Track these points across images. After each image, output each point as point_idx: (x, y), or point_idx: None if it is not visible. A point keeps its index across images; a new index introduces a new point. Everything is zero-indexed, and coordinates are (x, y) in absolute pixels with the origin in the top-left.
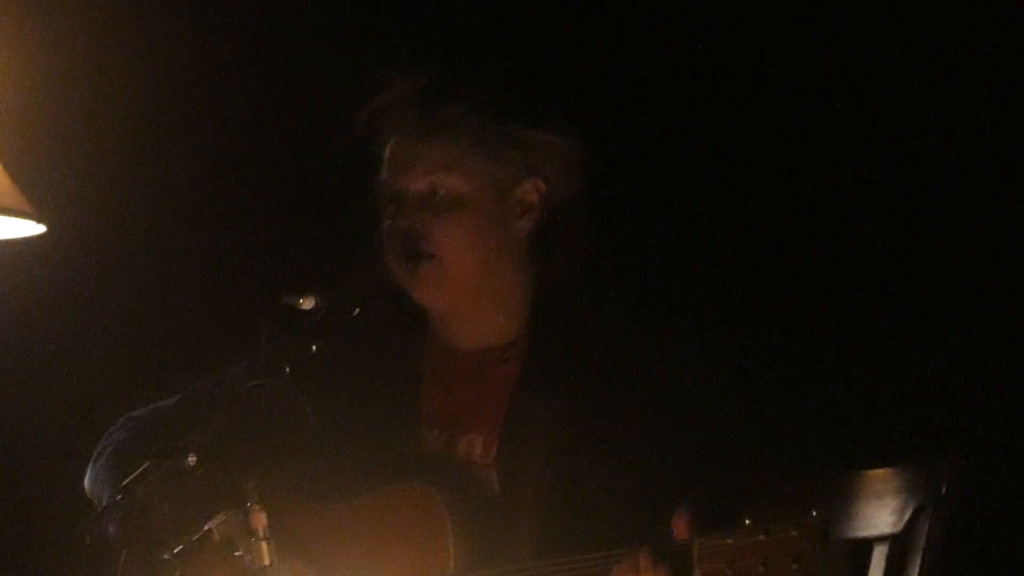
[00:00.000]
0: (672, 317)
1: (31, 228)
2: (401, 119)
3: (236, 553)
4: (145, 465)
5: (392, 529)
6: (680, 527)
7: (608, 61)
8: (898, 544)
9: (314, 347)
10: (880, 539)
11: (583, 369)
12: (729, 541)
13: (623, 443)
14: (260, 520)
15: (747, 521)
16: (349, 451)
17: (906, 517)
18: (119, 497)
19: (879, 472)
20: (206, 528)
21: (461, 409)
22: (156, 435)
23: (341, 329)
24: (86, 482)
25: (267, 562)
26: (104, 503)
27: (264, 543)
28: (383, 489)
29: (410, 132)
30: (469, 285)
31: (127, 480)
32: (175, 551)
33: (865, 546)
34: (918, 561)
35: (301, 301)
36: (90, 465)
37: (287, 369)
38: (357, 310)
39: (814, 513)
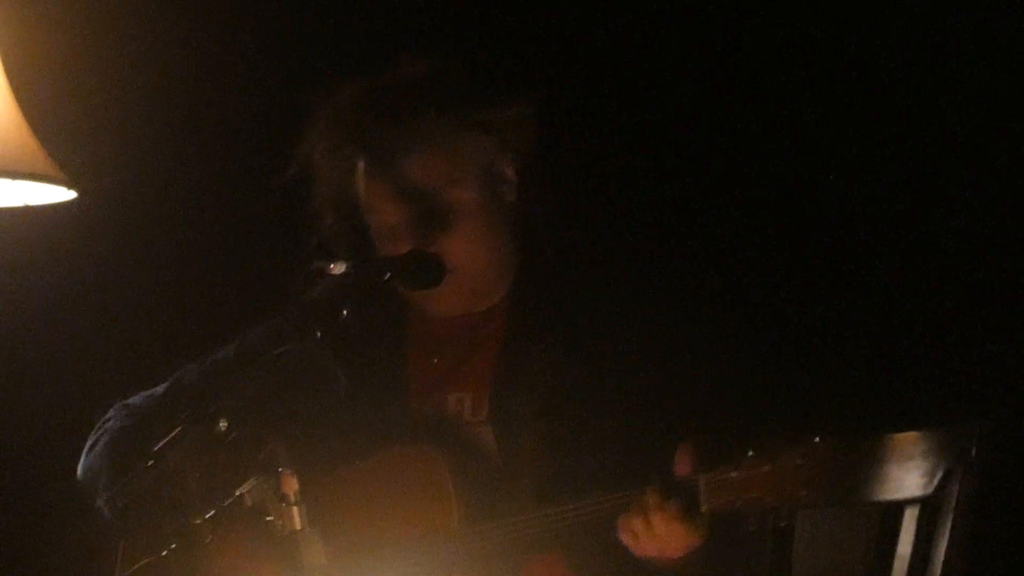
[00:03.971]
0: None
1: (62, 194)
2: (366, 140)
3: (267, 518)
4: (176, 431)
5: (394, 490)
6: (683, 463)
7: (552, 21)
8: (929, 507)
9: (345, 311)
10: (911, 502)
11: (568, 320)
12: (735, 474)
13: (615, 388)
14: (291, 485)
15: (750, 452)
16: (346, 420)
17: (936, 480)
18: (150, 463)
19: (909, 435)
20: (237, 494)
21: (447, 370)
22: (151, 420)
23: (372, 294)
24: (79, 471)
25: (298, 527)
26: (102, 490)
27: (295, 508)
28: (383, 453)
29: (385, 156)
30: (481, 278)
31: (159, 446)
32: (206, 517)
33: (896, 509)
34: (949, 524)
35: (332, 266)
36: (83, 454)
37: (318, 334)
38: (388, 275)
39: (817, 440)
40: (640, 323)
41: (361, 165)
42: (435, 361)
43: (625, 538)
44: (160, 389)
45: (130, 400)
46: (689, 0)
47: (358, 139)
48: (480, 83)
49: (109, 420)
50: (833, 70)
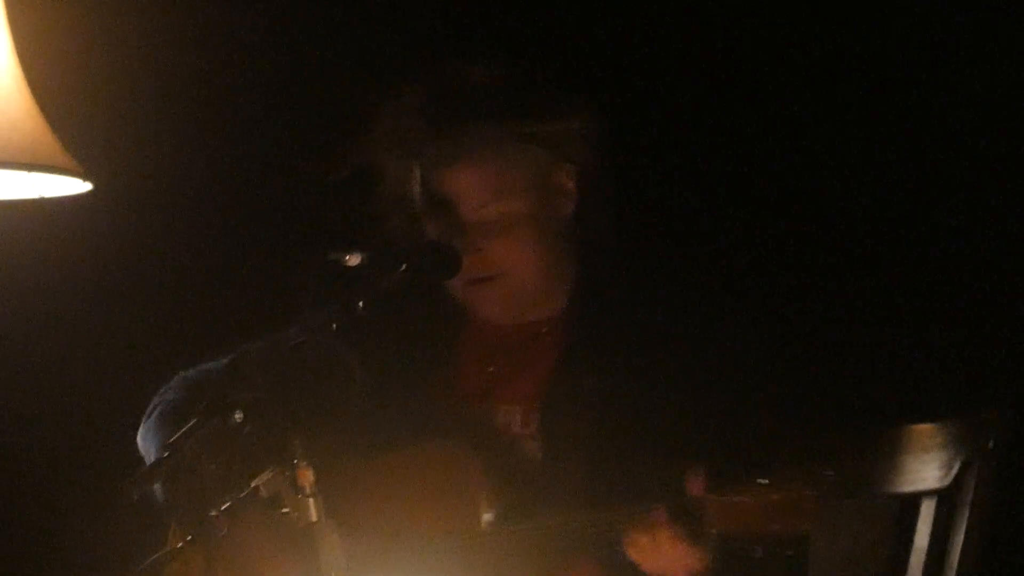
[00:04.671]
0: (713, 284)
1: (78, 186)
2: (420, 146)
3: (283, 510)
4: (192, 423)
5: (426, 486)
6: (694, 484)
7: (607, 33)
8: (945, 499)
9: (360, 303)
10: (927, 494)
11: (624, 342)
12: (745, 499)
13: (655, 411)
14: (307, 477)
15: (761, 480)
16: (386, 417)
17: (953, 472)
18: (166, 454)
19: (926, 427)
20: (253, 485)
21: (500, 380)
22: (203, 394)
23: (388, 285)
24: (139, 438)
25: (314, 519)
26: (151, 460)
27: (311, 500)
28: (420, 447)
29: (439, 163)
30: (531, 289)
31: (174, 438)
32: (222, 508)
33: (912, 501)
34: (966, 516)
35: (347, 257)
36: (143, 421)
37: (334, 326)
38: (404, 266)
39: (831, 473)
40: (695, 345)
41: (416, 170)
42: (489, 370)
43: (632, 554)
44: (219, 363)
45: (189, 372)
46: (750, 18)
47: (416, 145)
48: (537, 95)
49: (168, 391)
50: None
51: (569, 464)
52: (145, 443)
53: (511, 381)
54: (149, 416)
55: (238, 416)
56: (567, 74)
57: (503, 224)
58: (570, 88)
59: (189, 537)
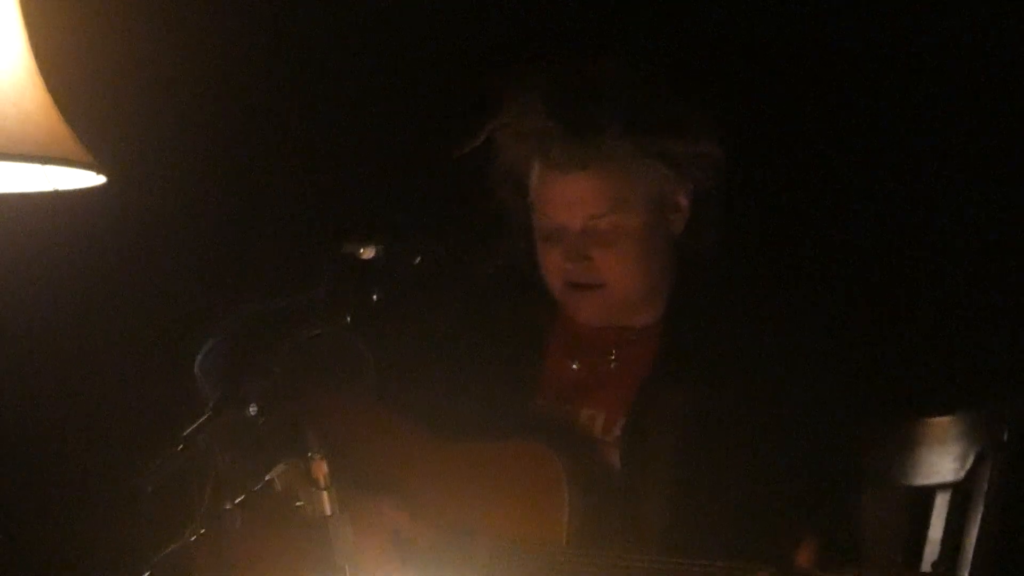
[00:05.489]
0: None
1: (92, 179)
2: (547, 148)
3: (298, 503)
4: (206, 416)
5: (507, 483)
6: (805, 557)
7: (740, 55)
8: (960, 492)
9: (375, 296)
10: (942, 487)
11: (722, 364)
12: None
13: (753, 448)
14: (321, 470)
15: (856, 571)
16: (468, 406)
17: (968, 464)
18: (180, 448)
19: (941, 419)
20: (267, 478)
21: (586, 383)
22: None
23: (403, 278)
24: (196, 367)
25: (328, 512)
26: (209, 393)
27: (325, 493)
28: (503, 442)
29: (561, 166)
30: (632, 299)
31: (188, 430)
32: (236, 501)
33: (927, 494)
34: (981, 509)
35: (362, 250)
36: (202, 353)
37: (348, 318)
38: (418, 259)
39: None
40: (795, 382)
41: (538, 167)
42: (574, 368)
43: None
44: (282, 303)
45: (256, 308)
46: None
47: (541, 142)
48: (672, 113)
49: (232, 322)
50: None
51: (650, 477)
52: (204, 371)
53: (596, 385)
54: (210, 348)
55: (252, 409)
56: (702, 95)
57: (614, 236)
58: (703, 113)
59: (203, 530)
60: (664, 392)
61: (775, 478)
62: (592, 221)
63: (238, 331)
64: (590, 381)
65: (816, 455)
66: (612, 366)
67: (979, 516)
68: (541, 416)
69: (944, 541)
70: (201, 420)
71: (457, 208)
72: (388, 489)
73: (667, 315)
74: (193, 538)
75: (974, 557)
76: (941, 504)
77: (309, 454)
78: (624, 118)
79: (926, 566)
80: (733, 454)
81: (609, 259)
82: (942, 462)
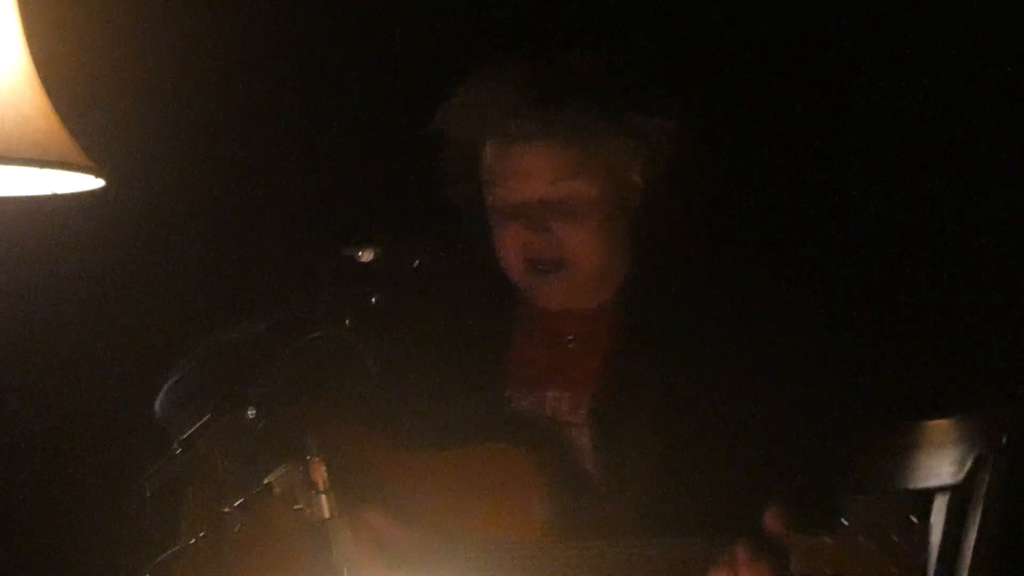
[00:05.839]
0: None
1: (91, 183)
2: (509, 122)
3: (296, 506)
4: (205, 419)
5: (481, 487)
6: (774, 521)
7: (707, 33)
8: (959, 495)
9: (374, 299)
10: (941, 490)
11: (681, 334)
12: (828, 541)
13: (718, 418)
14: (320, 473)
15: (844, 522)
16: (434, 405)
17: (967, 467)
18: (179, 451)
19: (939, 422)
20: (266, 482)
21: (548, 366)
22: (227, 367)
23: (401, 281)
24: (158, 403)
25: (327, 515)
26: (174, 430)
27: (324, 496)
28: (473, 446)
29: (524, 138)
30: (590, 272)
31: (187, 434)
32: (235, 505)
33: (926, 497)
34: (979, 511)
35: (361, 253)
36: (165, 386)
37: (347, 321)
38: (417, 262)
39: (915, 520)
40: (755, 348)
41: (492, 143)
42: (538, 354)
43: None
44: (245, 333)
45: (215, 339)
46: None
47: (502, 116)
48: (631, 86)
49: (194, 358)
50: None
51: (620, 456)
52: (166, 408)
53: (560, 367)
54: (173, 384)
55: (251, 412)
56: (665, 70)
57: (572, 207)
58: (663, 86)
59: (202, 533)
60: (625, 368)
61: (741, 445)
62: (552, 188)
63: (201, 367)
64: (552, 364)
65: (778, 422)
66: (571, 347)
67: (978, 519)
68: (510, 412)
69: (943, 544)
70: (200, 423)
71: (455, 211)
72: (368, 499)
73: (622, 291)
74: (192, 541)
75: (973, 560)
76: (940, 507)
77: (308, 457)
78: (587, 88)
79: (927, 569)
80: (699, 424)
81: (569, 232)
82: (941, 465)
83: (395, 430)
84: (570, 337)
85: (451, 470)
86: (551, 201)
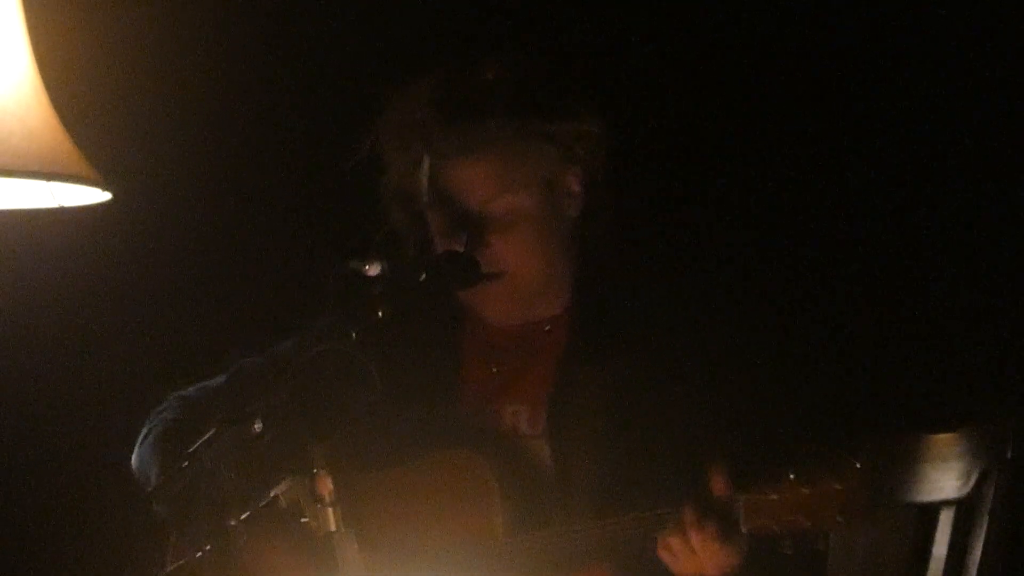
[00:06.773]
0: (724, 281)
1: (97, 195)
2: (432, 138)
3: (302, 519)
4: (211, 432)
5: (436, 493)
6: (718, 482)
7: (620, 38)
8: (964, 508)
9: (380, 312)
10: (946, 504)
11: (629, 338)
12: (773, 496)
13: (670, 408)
14: (326, 486)
15: (791, 475)
16: (394, 426)
17: (972, 481)
18: (185, 464)
19: (944, 436)
20: (272, 495)
21: (504, 381)
22: (206, 413)
23: (407, 294)
24: (133, 461)
25: (333, 528)
26: (152, 481)
27: (330, 509)
28: (427, 456)
29: (449, 154)
30: (534, 288)
31: (193, 447)
32: (241, 518)
33: (931, 511)
34: (985, 525)
35: (367, 267)
36: (137, 444)
37: (353, 335)
38: (423, 276)
39: (858, 465)
40: (698, 341)
41: (426, 162)
42: (493, 371)
43: (664, 556)
44: (216, 381)
45: (185, 392)
46: (760, 26)
47: (424, 137)
48: (549, 93)
49: (163, 411)
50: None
51: (580, 464)
52: (143, 466)
53: (516, 381)
54: (145, 439)
55: (257, 426)
56: (582, 76)
57: (509, 220)
58: (585, 91)
59: (208, 547)
60: (578, 378)
61: (692, 440)
62: (487, 206)
63: (172, 419)
64: (508, 379)
65: (725, 419)
66: (526, 361)
67: (983, 533)
68: (465, 422)
69: (948, 558)
70: (206, 436)
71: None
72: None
73: (573, 303)
74: (199, 555)
75: (978, 574)
76: (945, 521)
77: (314, 470)
78: (504, 100)
79: None
80: (653, 426)
81: (508, 245)
82: (946, 479)
83: (357, 451)
84: (524, 351)
85: (408, 483)
86: (489, 218)
